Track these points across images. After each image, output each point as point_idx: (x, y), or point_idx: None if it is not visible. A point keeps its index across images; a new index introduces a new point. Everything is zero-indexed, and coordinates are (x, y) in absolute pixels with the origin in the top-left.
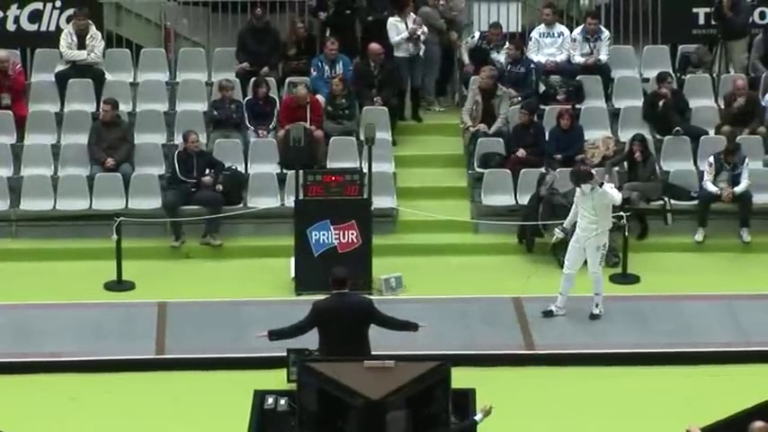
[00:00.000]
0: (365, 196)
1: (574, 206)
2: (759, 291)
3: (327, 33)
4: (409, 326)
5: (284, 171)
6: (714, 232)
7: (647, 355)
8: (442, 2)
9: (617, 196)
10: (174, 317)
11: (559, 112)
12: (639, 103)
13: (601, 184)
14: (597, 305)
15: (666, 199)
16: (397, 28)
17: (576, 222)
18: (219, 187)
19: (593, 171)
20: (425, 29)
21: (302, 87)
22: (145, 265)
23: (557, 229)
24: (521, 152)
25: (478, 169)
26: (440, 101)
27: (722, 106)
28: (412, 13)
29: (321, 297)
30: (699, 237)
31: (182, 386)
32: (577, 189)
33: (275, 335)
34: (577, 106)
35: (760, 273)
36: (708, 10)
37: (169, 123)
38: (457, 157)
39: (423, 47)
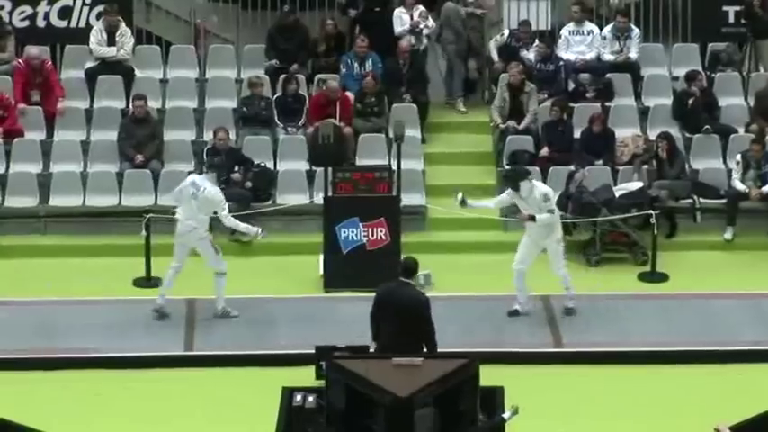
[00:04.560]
0: (394, 193)
1: (498, 199)
2: None
3: (357, 31)
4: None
5: (313, 168)
6: (743, 231)
7: (676, 354)
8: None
9: (546, 188)
10: (203, 313)
11: (591, 117)
12: (669, 101)
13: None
14: (571, 299)
15: (695, 197)
16: (401, 19)
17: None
18: (249, 184)
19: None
20: (430, 23)
21: (333, 81)
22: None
23: (460, 194)
24: (545, 151)
25: (507, 167)
26: (466, 98)
27: (752, 104)
28: (419, 6)
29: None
30: (728, 235)
31: (210, 383)
32: (514, 192)
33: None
34: (607, 104)
35: None
36: (737, 8)
37: (198, 120)
38: (486, 155)
39: (425, 40)
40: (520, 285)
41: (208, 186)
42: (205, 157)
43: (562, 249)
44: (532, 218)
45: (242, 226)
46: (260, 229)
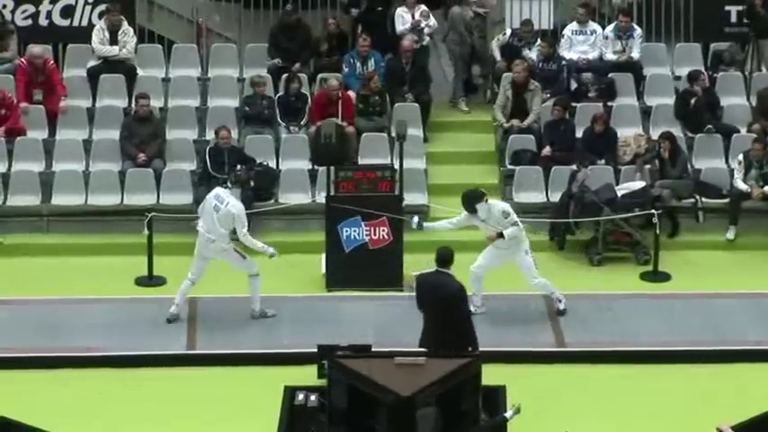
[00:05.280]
0: (396, 193)
1: (456, 220)
2: None
3: (359, 30)
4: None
5: (315, 167)
6: (745, 230)
7: (678, 353)
8: None
9: (503, 205)
10: (205, 312)
11: (594, 117)
12: (671, 100)
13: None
14: (560, 301)
15: (698, 197)
16: (402, 18)
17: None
18: (251, 183)
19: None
20: (432, 21)
21: (334, 79)
22: (176, 261)
23: (416, 217)
24: (547, 150)
25: (510, 166)
26: (468, 98)
27: (754, 104)
28: (421, 6)
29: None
30: (730, 235)
31: (212, 382)
32: (472, 215)
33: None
34: (609, 104)
35: None
36: (740, 8)
37: (201, 119)
38: (488, 154)
39: (427, 38)
40: (476, 287)
41: (232, 201)
42: (207, 157)
43: (532, 260)
44: (500, 235)
45: (258, 245)
46: (275, 252)
